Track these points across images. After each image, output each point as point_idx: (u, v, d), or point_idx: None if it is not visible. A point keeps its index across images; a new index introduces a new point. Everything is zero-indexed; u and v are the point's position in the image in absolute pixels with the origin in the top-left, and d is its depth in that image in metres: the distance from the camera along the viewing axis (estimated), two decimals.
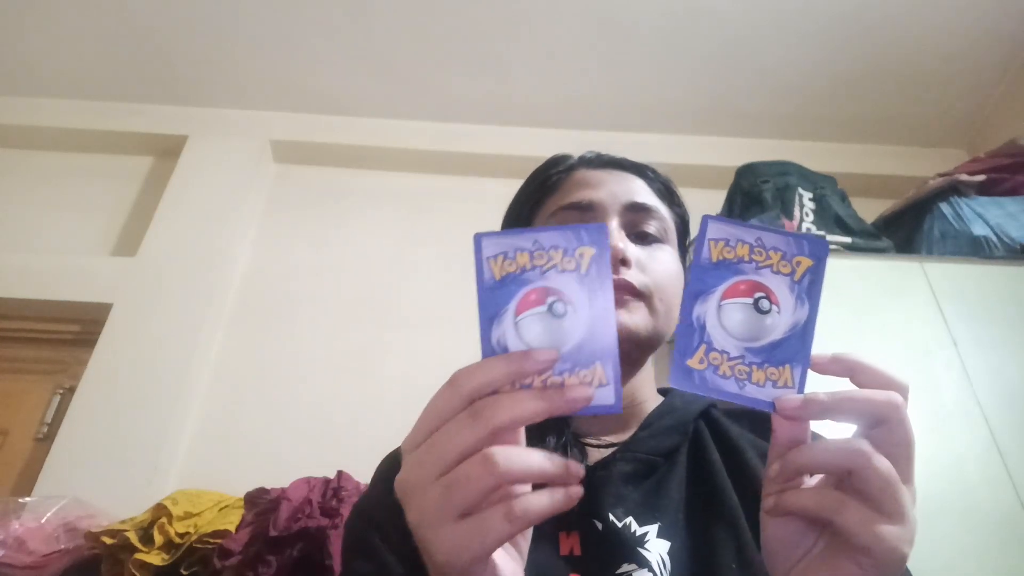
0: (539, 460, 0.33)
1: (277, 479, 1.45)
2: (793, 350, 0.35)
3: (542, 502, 0.32)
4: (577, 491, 0.33)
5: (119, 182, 2.28)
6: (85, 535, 1.36)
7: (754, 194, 1.75)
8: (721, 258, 0.34)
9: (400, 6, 2.06)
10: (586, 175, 0.68)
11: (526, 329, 0.34)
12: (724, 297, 0.34)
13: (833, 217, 1.72)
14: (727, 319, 0.34)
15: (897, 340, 1.41)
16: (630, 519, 0.53)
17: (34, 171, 2.29)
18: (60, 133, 2.30)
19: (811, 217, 1.71)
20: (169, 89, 2.32)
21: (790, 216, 1.70)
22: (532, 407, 0.33)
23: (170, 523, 1.32)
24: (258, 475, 1.48)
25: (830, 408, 0.34)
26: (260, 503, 1.40)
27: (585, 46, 2.16)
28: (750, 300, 0.34)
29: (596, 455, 0.59)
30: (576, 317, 0.33)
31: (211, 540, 1.32)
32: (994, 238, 1.60)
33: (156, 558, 1.28)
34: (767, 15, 2.04)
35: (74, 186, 2.26)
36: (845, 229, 1.69)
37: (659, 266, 0.63)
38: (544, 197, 0.69)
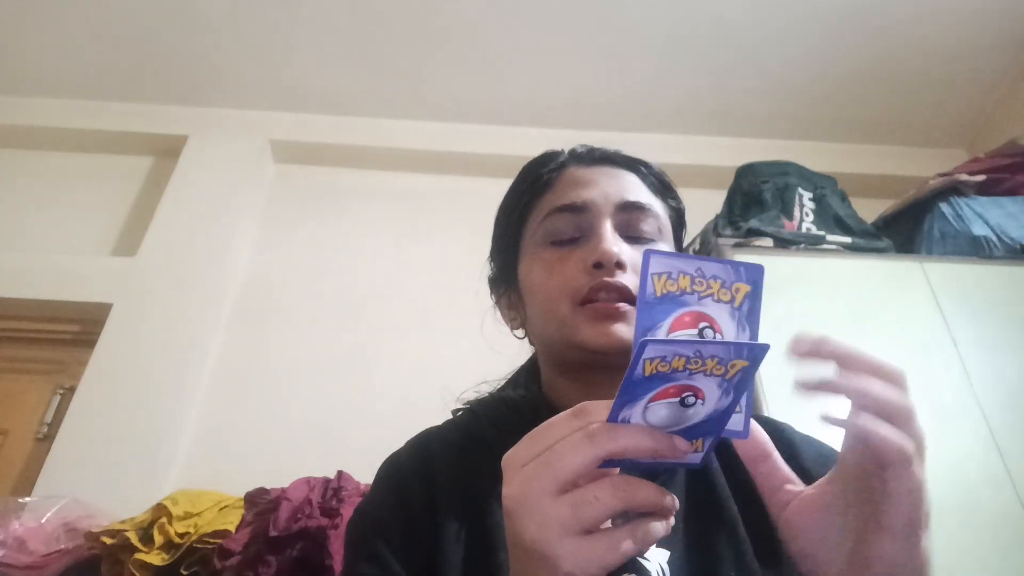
0: (655, 494, 0.36)
1: (277, 479, 1.45)
2: (709, 429, 0.37)
3: (658, 529, 0.36)
4: (670, 525, 0.37)
5: (119, 182, 2.28)
6: (85, 535, 1.36)
7: (754, 194, 1.75)
8: (665, 291, 0.35)
9: (400, 6, 2.06)
10: (578, 173, 0.67)
11: (652, 413, 0.36)
12: (652, 400, 0.36)
13: (833, 217, 1.72)
14: (653, 416, 0.36)
15: (897, 340, 1.41)
16: None
17: (34, 171, 2.29)
18: (60, 133, 2.30)
19: (811, 217, 1.71)
20: (169, 89, 2.32)
21: (790, 216, 1.70)
22: (645, 444, 0.35)
23: (170, 523, 1.32)
24: (258, 475, 1.48)
25: (843, 357, 0.38)
26: (260, 503, 1.40)
27: (585, 46, 2.16)
28: (675, 400, 0.36)
29: None
30: (702, 409, 0.36)
31: (211, 540, 1.32)
32: (994, 238, 1.60)
33: (156, 558, 1.28)
34: (768, 16, 2.04)
35: (74, 186, 2.26)
36: (845, 229, 1.69)
37: None
38: (536, 197, 0.68)
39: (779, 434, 0.61)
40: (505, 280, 0.71)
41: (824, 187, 1.80)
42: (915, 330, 1.42)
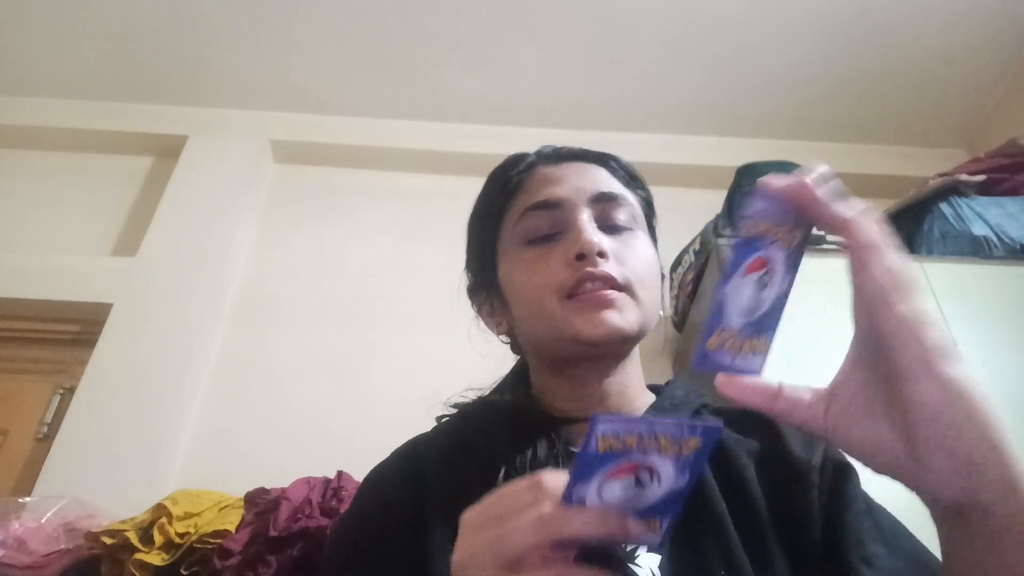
0: None
1: (277, 479, 1.46)
2: (665, 508, 0.37)
3: None
4: None
5: (119, 182, 2.28)
6: (85, 535, 1.36)
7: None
8: (608, 448, 0.35)
9: (400, 6, 2.06)
10: (547, 172, 0.67)
11: (607, 491, 0.36)
12: (607, 479, 0.36)
13: None
14: (608, 494, 0.36)
15: None
16: None
17: (34, 171, 2.29)
18: (60, 133, 2.30)
19: None
20: (169, 89, 2.32)
21: None
22: (597, 530, 0.35)
23: (170, 523, 1.32)
24: (258, 475, 1.48)
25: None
26: (260, 503, 1.41)
27: (586, 46, 2.16)
28: (629, 478, 0.36)
29: None
30: (658, 488, 0.36)
31: (211, 540, 1.32)
32: (994, 238, 1.60)
33: (156, 558, 1.28)
34: (767, 16, 2.04)
35: (74, 186, 2.26)
36: None
37: (635, 255, 0.62)
38: (508, 200, 0.68)
39: (761, 417, 0.61)
40: (485, 288, 0.71)
41: None
42: None
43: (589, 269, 0.58)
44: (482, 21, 2.09)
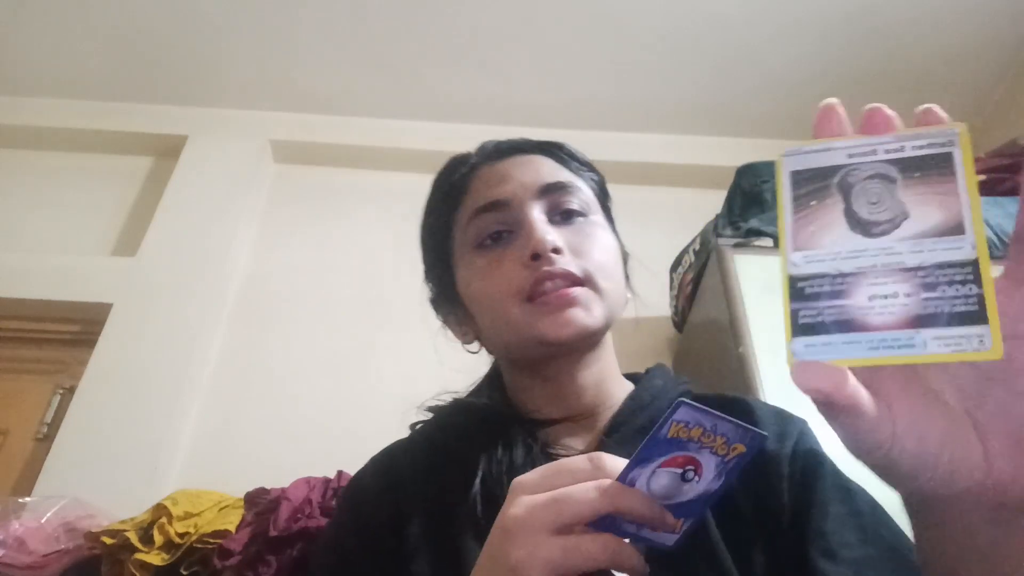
0: (639, 564, 0.37)
1: (277, 479, 1.45)
2: (692, 510, 0.38)
3: None
4: None
5: (119, 182, 2.28)
6: (85, 535, 1.36)
7: (754, 194, 1.75)
8: (676, 436, 0.36)
9: (400, 6, 2.06)
10: (490, 171, 0.65)
11: (656, 480, 0.37)
12: (660, 466, 0.37)
13: None
14: (655, 483, 0.37)
15: None
16: None
17: (34, 171, 2.29)
18: (60, 133, 2.30)
19: None
20: (169, 89, 2.32)
21: None
22: (645, 512, 0.36)
23: (170, 523, 1.32)
24: (258, 475, 1.48)
25: None
26: (260, 503, 1.40)
27: (585, 46, 2.16)
28: (679, 470, 0.37)
29: None
30: (696, 487, 0.37)
31: (211, 540, 1.32)
32: (994, 238, 1.60)
33: (156, 558, 1.28)
34: (768, 16, 2.04)
35: (74, 186, 2.26)
36: None
37: (592, 243, 0.61)
38: (454, 207, 0.66)
39: (738, 406, 0.60)
40: (446, 298, 0.70)
41: None
42: None
43: (546, 268, 0.57)
44: (482, 21, 2.09)
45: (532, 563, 0.35)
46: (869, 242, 0.29)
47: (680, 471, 0.36)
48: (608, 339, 0.64)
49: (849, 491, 0.54)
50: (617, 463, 0.38)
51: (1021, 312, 0.29)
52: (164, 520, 1.33)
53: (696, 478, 0.37)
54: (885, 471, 0.31)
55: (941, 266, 0.27)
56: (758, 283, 1.37)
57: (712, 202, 1.79)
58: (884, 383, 0.30)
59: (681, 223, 1.82)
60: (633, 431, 0.58)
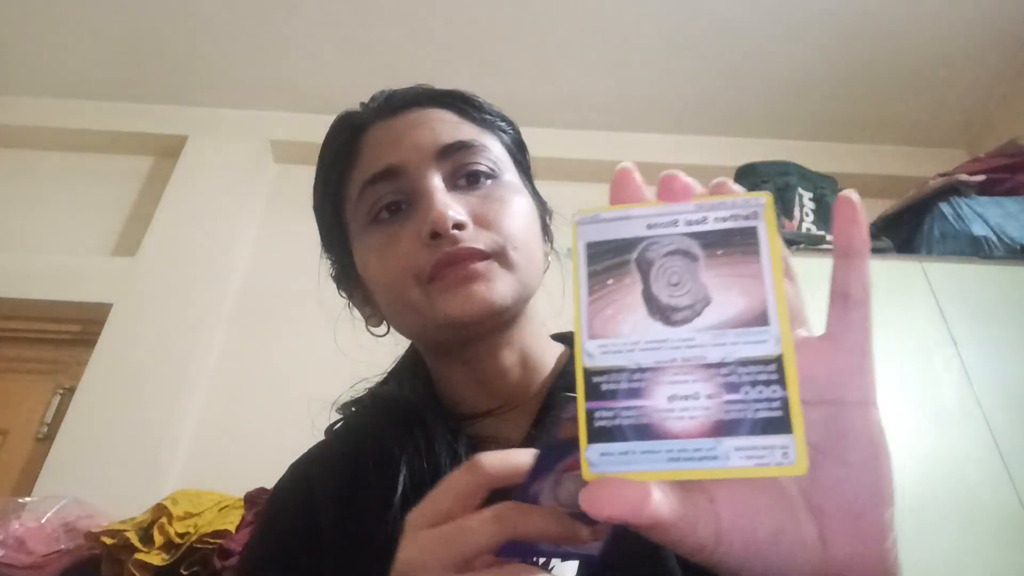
0: None
1: (277, 479, 1.45)
2: None
3: None
4: None
5: (119, 182, 2.28)
6: (85, 535, 1.36)
7: None
8: (572, 435, 0.32)
9: (400, 6, 2.06)
10: (382, 131, 0.57)
11: (563, 488, 0.32)
12: (564, 471, 0.32)
13: None
14: (563, 492, 0.32)
15: (897, 340, 1.41)
16: None
17: (34, 171, 2.28)
18: (60, 133, 2.30)
19: (811, 217, 1.71)
20: (169, 89, 2.32)
21: (790, 216, 1.70)
22: (552, 530, 0.31)
23: (170, 523, 1.32)
24: (258, 475, 1.48)
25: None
26: (260, 503, 1.40)
27: (585, 46, 2.16)
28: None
29: None
30: None
31: (211, 540, 1.32)
32: (994, 238, 1.60)
33: (156, 558, 1.28)
34: (768, 15, 2.04)
35: (74, 186, 2.25)
36: None
37: (500, 210, 0.53)
38: (345, 172, 0.58)
39: None
40: (348, 276, 0.63)
41: (824, 187, 1.80)
42: (915, 330, 1.42)
43: (447, 250, 0.50)
44: (483, 21, 2.09)
45: None
46: (670, 331, 0.26)
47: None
48: (531, 309, 0.57)
49: None
50: (497, 460, 0.33)
51: (841, 375, 0.27)
52: (164, 520, 1.33)
53: None
54: (714, 569, 0.27)
55: (744, 363, 0.25)
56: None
57: None
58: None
59: None
60: (567, 417, 0.53)
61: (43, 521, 1.35)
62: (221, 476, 1.55)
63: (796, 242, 1.58)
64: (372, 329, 0.65)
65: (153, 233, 2.06)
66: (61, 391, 1.85)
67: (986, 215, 1.65)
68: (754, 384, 0.24)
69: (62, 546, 1.33)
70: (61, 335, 1.95)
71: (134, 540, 1.30)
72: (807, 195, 1.75)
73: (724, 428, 0.24)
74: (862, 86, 2.22)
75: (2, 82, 2.29)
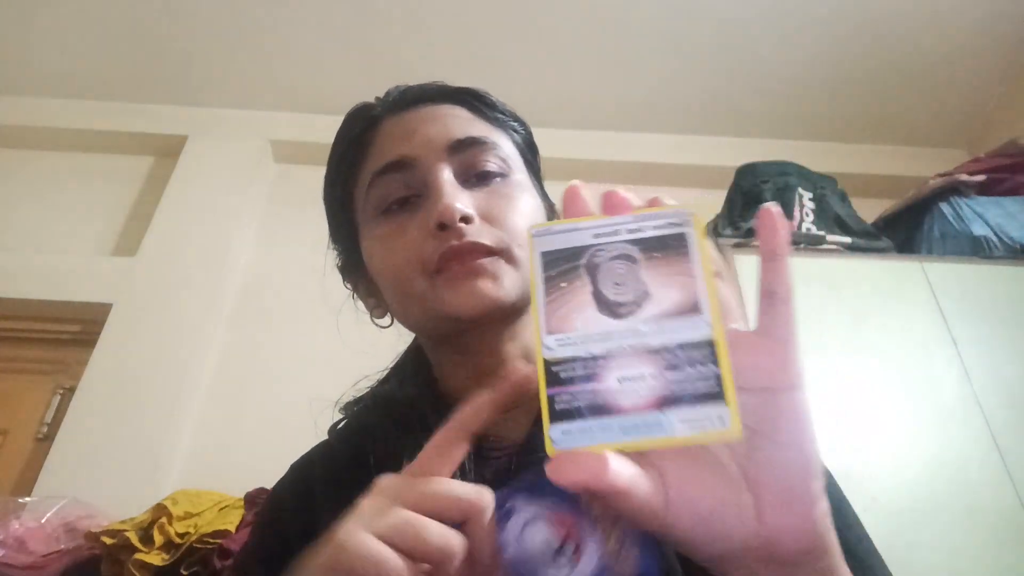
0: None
1: (277, 479, 1.45)
2: None
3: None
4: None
5: (119, 182, 2.28)
6: (85, 535, 1.36)
7: (754, 194, 1.75)
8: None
9: (400, 6, 2.06)
10: (395, 124, 0.58)
11: (532, 534, 0.33)
12: (546, 519, 0.34)
13: (833, 217, 1.72)
14: (530, 537, 0.33)
15: (897, 340, 1.41)
16: None
17: (34, 171, 2.29)
18: (60, 133, 2.30)
19: (811, 217, 1.71)
20: (169, 89, 2.32)
21: (790, 216, 1.70)
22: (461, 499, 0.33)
23: (170, 523, 1.32)
24: (258, 475, 1.48)
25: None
26: (260, 503, 1.40)
27: (586, 47, 2.16)
28: (558, 540, 0.33)
29: (497, 463, 0.50)
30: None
31: (211, 540, 1.32)
32: (994, 238, 1.60)
33: (156, 558, 1.28)
34: (767, 15, 2.04)
35: (74, 186, 2.25)
36: (845, 229, 1.69)
37: (510, 208, 0.54)
38: (356, 163, 0.59)
39: None
40: (354, 266, 0.64)
41: (824, 187, 1.80)
42: (915, 330, 1.42)
43: (454, 243, 0.50)
44: (483, 21, 2.09)
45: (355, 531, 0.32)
46: (616, 323, 0.30)
47: (559, 542, 0.32)
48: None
49: (847, 519, 0.50)
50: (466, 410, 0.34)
51: (771, 364, 0.30)
52: (164, 520, 1.33)
53: (571, 559, 0.32)
54: (664, 538, 0.31)
55: (682, 346, 0.29)
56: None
57: (712, 202, 1.79)
58: (655, 451, 0.30)
59: None
60: None
61: (43, 521, 1.35)
62: (221, 476, 1.55)
63: (796, 242, 1.57)
64: (376, 321, 0.66)
65: (153, 233, 2.06)
66: (61, 391, 1.85)
67: (986, 215, 1.65)
68: (691, 363, 0.28)
69: (62, 546, 1.33)
70: (61, 335, 1.95)
71: (134, 540, 1.30)
72: (807, 195, 1.75)
73: (668, 402, 0.28)
74: (862, 86, 2.22)
75: (2, 82, 2.29)
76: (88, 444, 1.66)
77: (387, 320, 0.65)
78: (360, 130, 0.60)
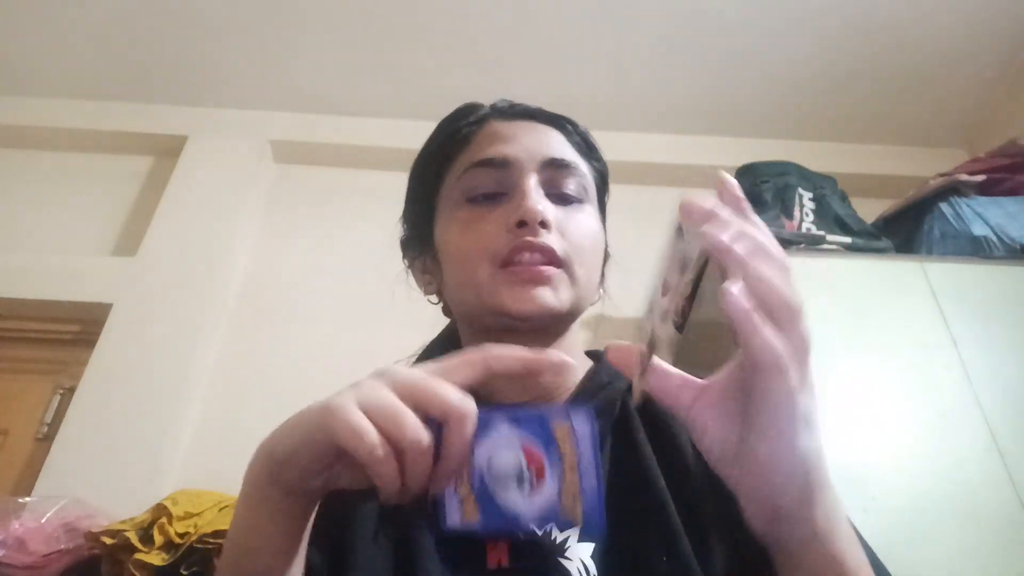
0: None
1: None
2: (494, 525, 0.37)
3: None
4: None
5: (119, 182, 2.28)
6: (85, 535, 1.35)
7: (754, 194, 1.75)
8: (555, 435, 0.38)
9: (400, 6, 2.06)
10: (499, 128, 0.62)
11: (501, 455, 0.36)
12: (522, 447, 0.37)
13: (833, 217, 1.72)
14: (498, 457, 0.36)
15: (897, 340, 1.41)
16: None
17: (34, 171, 2.29)
18: (60, 133, 2.30)
19: (811, 217, 1.71)
20: (169, 89, 2.32)
21: (790, 216, 1.70)
22: (524, 357, 0.38)
23: (170, 523, 1.32)
24: None
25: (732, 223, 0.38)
26: None
27: (585, 46, 2.16)
28: (524, 467, 0.36)
29: None
30: (519, 502, 0.36)
31: (211, 540, 1.32)
32: (994, 238, 1.60)
33: (156, 558, 1.28)
34: (767, 15, 2.04)
35: (74, 186, 2.26)
36: (845, 229, 1.69)
37: (578, 229, 0.58)
38: (453, 153, 0.63)
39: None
40: (419, 242, 0.67)
41: (824, 187, 1.80)
42: (915, 330, 1.42)
43: (528, 239, 0.54)
44: (482, 21, 2.09)
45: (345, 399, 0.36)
46: None
47: (525, 469, 0.35)
48: (575, 329, 0.62)
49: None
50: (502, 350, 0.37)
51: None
52: (164, 520, 1.33)
53: (529, 490, 0.35)
54: (685, 421, 0.40)
55: None
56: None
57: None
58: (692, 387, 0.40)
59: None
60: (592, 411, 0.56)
61: (43, 521, 1.35)
62: (221, 476, 1.54)
63: (796, 242, 1.57)
64: (427, 297, 0.71)
65: (153, 233, 2.06)
66: (61, 391, 1.85)
67: (986, 215, 1.65)
68: None
69: (62, 546, 1.33)
70: (61, 335, 1.95)
71: (134, 540, 1.30)
72: (807, 195, 1.75)
73: None
74: (862, 86, 2.22)
75: (2, 82, 2.29)
76: (88, 444, 1.66)
77: (436, 298, 0.69)
78: (465, 124, 0.64)
